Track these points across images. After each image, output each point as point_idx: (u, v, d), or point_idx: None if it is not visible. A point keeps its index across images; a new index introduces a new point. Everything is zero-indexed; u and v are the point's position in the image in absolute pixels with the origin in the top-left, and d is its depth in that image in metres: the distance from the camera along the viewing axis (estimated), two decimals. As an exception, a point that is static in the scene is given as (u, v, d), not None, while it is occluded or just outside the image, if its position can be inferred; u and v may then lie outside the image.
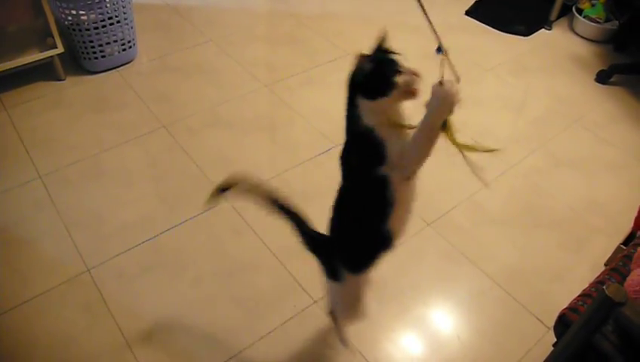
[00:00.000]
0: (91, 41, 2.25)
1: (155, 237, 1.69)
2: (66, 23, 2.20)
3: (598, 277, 1.23)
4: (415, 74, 0.89)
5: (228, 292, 1.56)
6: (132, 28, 2.37)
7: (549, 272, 1.67)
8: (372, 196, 0.99)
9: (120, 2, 2.24)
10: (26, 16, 2.18)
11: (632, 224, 1.59)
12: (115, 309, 1.49)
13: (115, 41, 2.32)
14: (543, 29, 2.90)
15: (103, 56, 2.32)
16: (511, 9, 3.04)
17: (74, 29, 2.21)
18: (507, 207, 1.89)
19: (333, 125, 2.12)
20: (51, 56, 2.20)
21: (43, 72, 2.28)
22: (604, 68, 2.53)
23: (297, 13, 2.90)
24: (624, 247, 1.54)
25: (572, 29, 2.91)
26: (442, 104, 0.85)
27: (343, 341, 1.43)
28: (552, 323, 1.15)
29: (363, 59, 0.91)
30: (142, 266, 1.61)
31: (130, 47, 2.39)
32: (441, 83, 0.84)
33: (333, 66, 2.52)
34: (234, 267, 1.63)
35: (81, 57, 2.31)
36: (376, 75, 0.89)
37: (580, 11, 2.86)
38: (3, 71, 2.10)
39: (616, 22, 2.76)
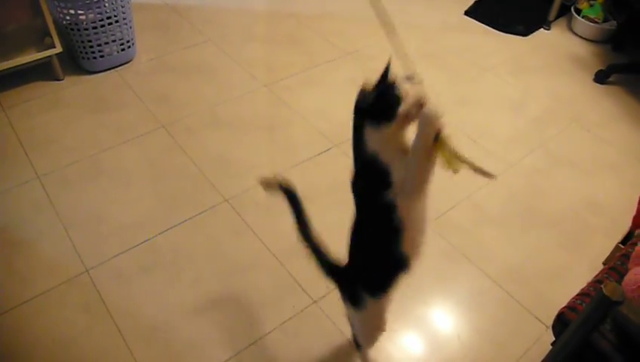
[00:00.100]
0: (90, 41, 2.24)
1: (154, 237, 1.69)
2: (65, 22, 2.20)
3: (596, 276, 1.23)
4: (419, 102, 0.91)
5: (227, 292, 1.56)
6: (131, 27, 2.36)
7: (547, 271, 1.68)
8: (381, 221, 1.01)
9: (119, 2, 2.24)
10: (24, 16, 2.17)
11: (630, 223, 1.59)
12: (113, 309, 1.49)
13: (114, 41, 2.32)
14: (541, 29, 2.91)
15: (102, 56, 2.32)
16: (510, 9, 3.05)
17: (72, 29, 2.20)
18: (506, 206, 1.89)
19: (333, 125, 2.11)
20: (49, 56, 2.20)
21: (41, 71, 2.27)
22: (603, 68, 2.54)
23: (296, 13, 2.90)
24: (622, 246, 1.54)
25: (571, 29, 2.92)
26: (427, 126, 0.88)
27: None
28: (550, 322, 1.16)
29: (368, 88, 0.94)
30: (141, 267, 1.61)
31: (129, 46, 2.39)
32: (422, 105, 0.88)
33: (333, 66, 2.51)
34: (233, 267, 1.63)
35: (80, 57, 2.30)
36: (380, 104, 0.92)
37: (578, 11, 2.87)
38: (1, 71, 2.09)
39: (615, 22, 2.77)
